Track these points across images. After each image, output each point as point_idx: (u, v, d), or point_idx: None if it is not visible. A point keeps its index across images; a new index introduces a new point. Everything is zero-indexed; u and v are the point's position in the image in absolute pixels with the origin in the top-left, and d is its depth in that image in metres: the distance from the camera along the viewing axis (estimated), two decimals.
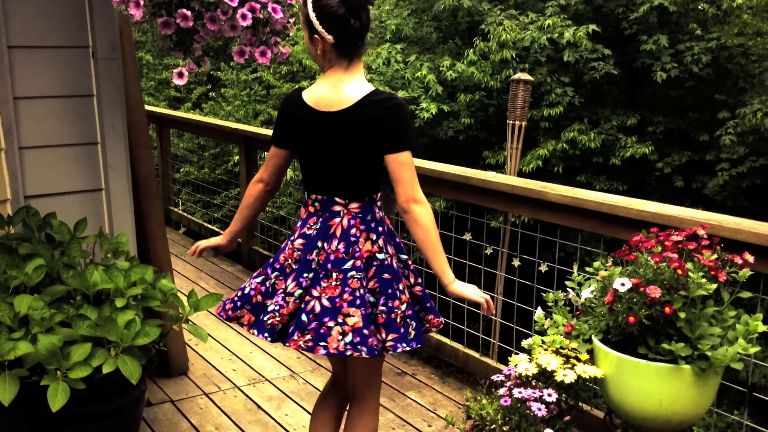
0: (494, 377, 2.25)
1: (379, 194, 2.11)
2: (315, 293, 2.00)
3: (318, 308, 1.97)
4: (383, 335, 2.02)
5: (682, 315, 1.97)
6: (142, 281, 2.52)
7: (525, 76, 3.74)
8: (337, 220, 2.06)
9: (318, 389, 3.31)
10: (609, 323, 2.14)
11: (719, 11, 10.18)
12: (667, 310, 1.94)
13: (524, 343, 2.31)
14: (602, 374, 2.12)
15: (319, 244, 2.05)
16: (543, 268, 2.92)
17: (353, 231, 2.05)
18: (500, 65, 9.42)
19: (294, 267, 2.07)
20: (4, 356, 2.21)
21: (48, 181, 2.77)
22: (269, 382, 3.38)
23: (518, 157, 3.40)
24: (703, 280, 1.98)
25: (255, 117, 12.64)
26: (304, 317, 1.97)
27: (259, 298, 2.10)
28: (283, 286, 2.06)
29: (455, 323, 3.46)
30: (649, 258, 2.08)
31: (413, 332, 2.06)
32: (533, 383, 2.22)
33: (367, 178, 2.06)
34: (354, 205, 2.07)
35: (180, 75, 2.46)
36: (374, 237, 2.07)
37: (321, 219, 2.08)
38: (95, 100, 2.82)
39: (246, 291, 2.11)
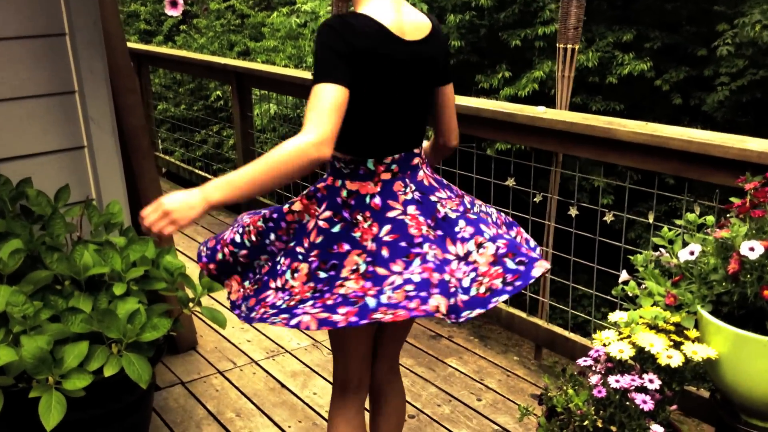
0: (581, 361, 1.87)
1: None
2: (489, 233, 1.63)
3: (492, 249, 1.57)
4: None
5: None
6: (143, 261, 2.09)
7: None
8: (420, 174, 1.66)
9: None
10: (722, 292, 1.76)
11: None
12: None
13: (614, 317, 1.92)
14: (716, 354, 1.75)
15: (432, 198, 1.64)
16: (608, 218, 2.52)
17: (432, 182, 1.70)
18: None
19: (440, 229, 1.60)
20: None
21: (17, 141, 2.29)
22: (290, 353, 2.99)
23: (570, 87, 2.94)
24: None
25: (230, 48, 11.99)
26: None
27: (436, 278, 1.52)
28: (453, 252, 1.58)
29: None
30: None
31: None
32: (626, 364, 1.85)
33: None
34: (421, 151, 1.72)
35: (173, 5, 1.98)
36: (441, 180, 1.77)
37: (408, 180, 1.63)
38: (68, 40, 2.32)
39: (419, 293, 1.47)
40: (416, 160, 1.66)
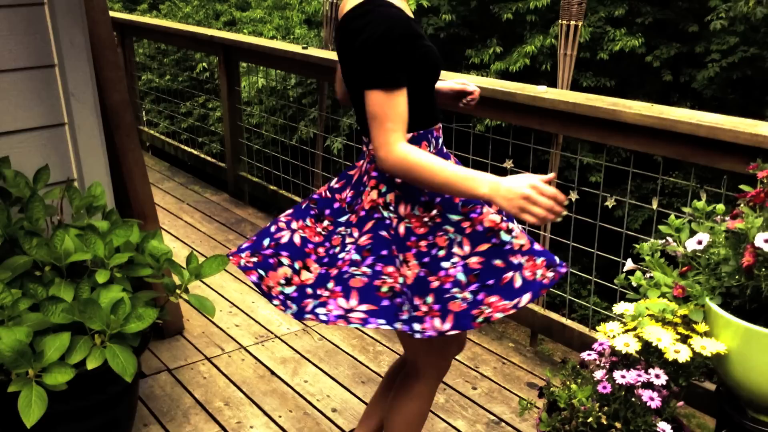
0: (584, 355, 1.80)
1: (410, 135, 1.59)
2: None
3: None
4: (352, 302, 1.48)
5: None
6: (127, 246, 1.99)
7: None
8: (361, 161, 1.71)
9: (337, 346, 2.86)
10: (732, 285, 1.70)
11: None
12: None
13: (619, 308, 1.85)
14: (725, 349, 1.69)
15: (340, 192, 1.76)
16: (610, 203, 2.45)
17: (365, 178, 1.66)
18: None
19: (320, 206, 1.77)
20: None
21: None
22: (279, 339, 2.91)
23: (572, 66, 2.84)
24: None
25: (216, 18, 11.76)
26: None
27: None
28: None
29: None
30: None
31: (407, 312, 1.51)
32: (631, 357, 1.79)
33: None
34: (372, 146, 1.60)
35: None
36: (384, 189, 1.61)
37: (356, 163, 1.76)
38: (47, 9, 2.20)
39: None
40: (364, 148, 1.68)
